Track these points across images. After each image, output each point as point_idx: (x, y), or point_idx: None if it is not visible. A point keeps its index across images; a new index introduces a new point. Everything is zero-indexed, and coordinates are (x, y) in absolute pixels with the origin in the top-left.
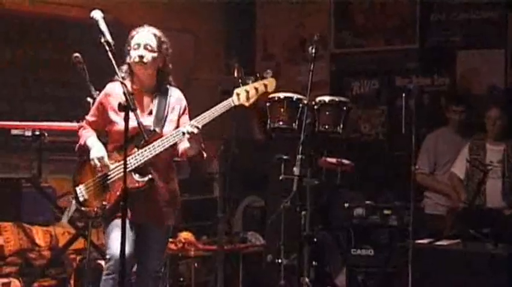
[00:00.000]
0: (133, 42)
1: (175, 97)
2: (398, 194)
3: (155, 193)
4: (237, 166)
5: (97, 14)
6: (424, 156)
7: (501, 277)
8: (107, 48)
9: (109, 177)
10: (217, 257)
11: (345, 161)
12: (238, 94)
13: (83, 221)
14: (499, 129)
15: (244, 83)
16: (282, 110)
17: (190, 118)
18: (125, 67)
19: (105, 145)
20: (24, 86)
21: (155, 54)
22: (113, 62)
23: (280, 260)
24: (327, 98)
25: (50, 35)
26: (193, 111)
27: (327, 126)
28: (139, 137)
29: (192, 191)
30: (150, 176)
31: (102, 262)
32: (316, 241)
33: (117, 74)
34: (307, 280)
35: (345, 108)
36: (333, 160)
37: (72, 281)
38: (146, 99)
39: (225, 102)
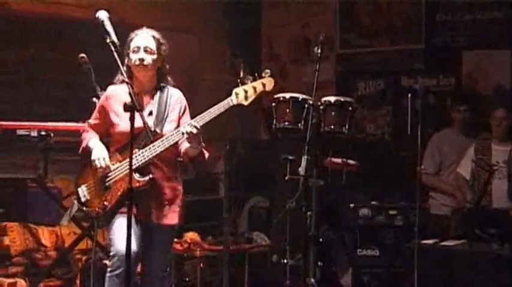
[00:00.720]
0: (133, 45)
1: (176, 97)
2: (404, 195)
3: (157, 193)
4: (243, 166)
5: (103, 15)
6: (428, 156)
7: (507, 277)
8: (113, 48)
9: (110, 177)
10: (222, 257)
11: (351, 162)
12: (237, 94)
13: (88, 222)
14: (505, 130)
15: (243, 83)
16: (287, 110)
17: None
18: (124, 69)
19: (107, 146)
20: (30, 87)
21: (155, 57)
22: (119, 62)
23: (285, 261)
24: (332, 99)
25: (56, 36)
26: (199, 111)
27: (332, 127)
28: (141, 137)
29: (197, 191)
30: (150, 175)
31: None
32: (321, 241)
33: (122, 75)
34: (312, 280)
35: (350, 108)
36: (339, 160)
37: (77, 282)
38: (146, 100)
39: (223, 102)
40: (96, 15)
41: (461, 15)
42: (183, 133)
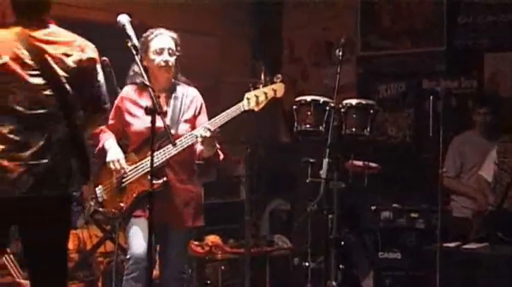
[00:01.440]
0: (154, 46)
1: (191, 96)
2: (426, 197)
3: (173, 195)
4: (264, 169)
5: (124, 19)
6: (449, 159)
7: None
8: (134, 52)
9: (125, 179)
10: (244, 260)
11: (372, 164)
12: (248, 99)
13: (109, 224)
14: None
15: (256, 87)
16: (308, 113)
17: None
18: (136, 68)
19: (126, 146)
20: None
21: (175, 57)
22: (139, 65)
23: (307, 264)
24: (353, 101)
25: None
26: (218, 114)
27: (353, 129)
28: (156, 139)
29: (218, 194)
30: (164, 178)
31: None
32: (343, 244)
33: (143, 78)
34: (334, 283)
35: (371, 111)
36: (360, 163)
37: (99, 284)
38: (162, 100)
39: (235, 107)
40: (118, 19)
41: (483, 17)
42: (196, 136)
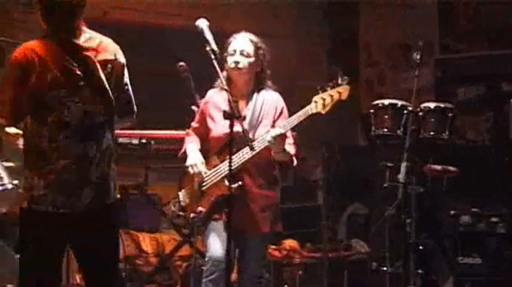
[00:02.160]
0: (230, 48)
1: (271, 101)
2: (506, 201)
3: (249, 200)
4: (341, 173)
5: (202, 23)
6: None
7: None
8: (212, 56)
9: (205, 183)
10: (321, 264)
11: (451, 168)
12: (316, 102)
13: (188, 228)
14: None
15: (324, 90)
16: (386, 116)
17: None
18: (223, 73)
19: (205, 152)
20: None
21: (251, 60)
22: (218, 70)
23: (385, 268)
24: (432, 105)
25: (155, 44)
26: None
27: (432, 133)
28: (236, 143)
29: (296, 198)
30: (239, 183)
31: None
32: (421, 249)
33: (222, 82)
34: None
35: (450, 114)
36: (438, 167)
37: None
38: (241, 105)
39: (303, 110)
40: (196, 24)
41: None
42: (267, 140)
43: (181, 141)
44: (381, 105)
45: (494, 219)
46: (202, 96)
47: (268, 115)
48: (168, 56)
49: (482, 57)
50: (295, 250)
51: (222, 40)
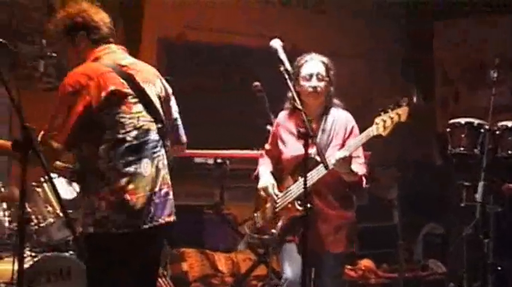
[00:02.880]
0: (304, 71)
1: (341, 121)
2: None
3: (321, 220)
4: (416, 192)
5: (276, 43)
6: None
7: None
8: (286, 76)
9: (278, 205)
10: (397, 284)
11: None
12: (377, 124)
13: (263, 248)
14: None
15: (386, 111)
16: (462, 135)
17: None
18: (290, 93)
19: (277, 173)
20: (205, 114)
21: (325, 83)
22: (292, 90)
23: None
24: (509, 123)
25: (230, 64)
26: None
27: (509, 152)
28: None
29: (371, 218)
30: (309, 205)
31: None
32: (500, 269)
33: (296, 102)
34: None
35: None
36: None
37: None
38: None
39: (365, 132)
40: (270, 44)
41: None
42: (333, 164)
43: (256, 161)
44: (457, 124)
45: None
46: (276, 115)
47: (338, 135)
48: (243, 74)
49: None
50: (370, 270)
51: (294, 58)
